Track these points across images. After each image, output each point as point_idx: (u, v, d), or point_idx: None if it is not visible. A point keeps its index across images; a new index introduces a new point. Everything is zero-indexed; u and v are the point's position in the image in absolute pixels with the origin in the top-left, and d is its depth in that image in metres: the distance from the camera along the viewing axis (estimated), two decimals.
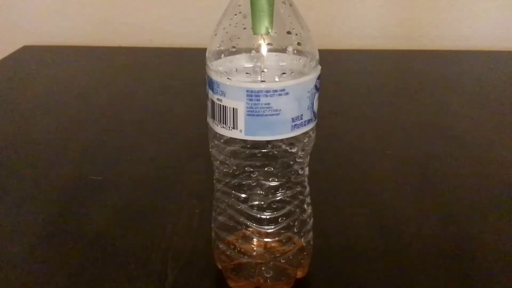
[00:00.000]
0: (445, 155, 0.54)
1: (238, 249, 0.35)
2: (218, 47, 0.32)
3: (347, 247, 0.40)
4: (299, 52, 0.31)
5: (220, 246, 0.36)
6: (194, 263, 0.39)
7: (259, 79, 0.31)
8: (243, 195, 0.34)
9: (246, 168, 0.33)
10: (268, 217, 0.34)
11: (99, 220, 0.44)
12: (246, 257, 0.35)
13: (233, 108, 0.30)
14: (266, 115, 0.30)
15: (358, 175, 0.50)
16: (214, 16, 0.34)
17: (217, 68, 0.31)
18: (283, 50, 0.31)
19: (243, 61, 0.31)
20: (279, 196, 0.34)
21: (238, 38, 0.31)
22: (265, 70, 0.31)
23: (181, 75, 0.77)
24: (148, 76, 0.77)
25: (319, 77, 0.32)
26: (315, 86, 0.32)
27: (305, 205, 0.36)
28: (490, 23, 0.88)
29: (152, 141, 0.57)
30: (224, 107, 0.31)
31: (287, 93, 0.30)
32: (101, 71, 0.80)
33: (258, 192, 0.34)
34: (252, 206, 0.34)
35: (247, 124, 0.30)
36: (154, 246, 0.40)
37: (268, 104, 0.30)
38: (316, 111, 0.33)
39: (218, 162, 0.35)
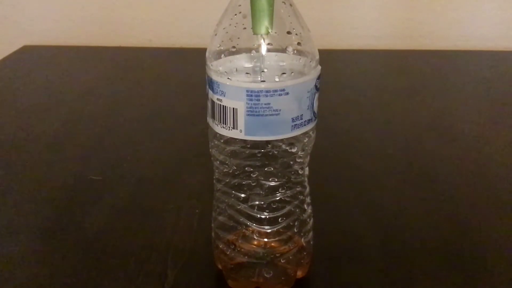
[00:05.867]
0: (445, 155, 0.54)
1: (238, 249, 0.35)
2: (218, 47, 0.32)
3: (347, 247, 0.41)
4: (299, 52, 0.31)
5: (220, 246, 0.36)
6: (194, 263, 0.39)
7: (259, 79, 0.31)
8: (243, 195, 0.34)
9: (246, 168, 0.33)
10: (268, 217, 0.34)
11: (99, 220, 0.44)
12: (246, 257, 0.35)
13: (233, 108, 0.30)
14: (266, 115, 0.30)
15: (358, 175, 0.50)
16: (214, 16, 0.34)
17: (217, 68, 0.31)
18: (283, 50, 0.31)
19: (243, 61, 0.31)
20: (279, 196, 0.34)
21: (238, 38, 0.31)
22: (265, 70, 0.31)
23: (181, 75, 0.77)
24: (148, 76, 0.77)
25: (319, 77, 0.32)
26: (315, 86, 0.32)
27: (305, 205, 0.36)
28: (490, 23, 0.88)
29: (152, 141, 0.57)
30: (224, 107, 0.31)
31: (287, 93, 0.30)
32: (101, 71, 0.80)
33: (258, 192, 0.34)
34: (252, 206, 0.34)
35: (247, 124, 0.30)
36: (154, 246, 0.40)
37: (268, 104, 0.30)
38: (316, 111, 0.33)
39: (218, 162, 0.35)
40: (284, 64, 0.31)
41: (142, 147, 0.56)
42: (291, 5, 0.32)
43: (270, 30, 0.30)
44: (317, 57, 0.32)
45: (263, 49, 0.31)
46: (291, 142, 0.33)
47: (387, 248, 0.40)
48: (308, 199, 0.36)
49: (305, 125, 0.32)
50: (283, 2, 0.31)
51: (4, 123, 0.62)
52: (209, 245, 0.38)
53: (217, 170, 0.35)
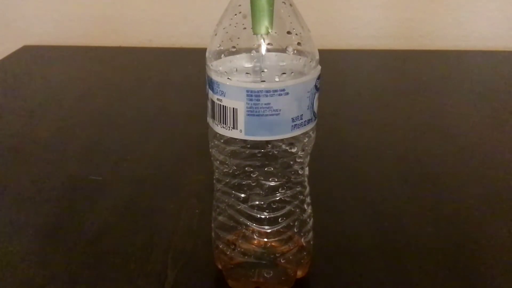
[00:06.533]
0: (445, 155, 0.54)
1: (238, 249, 0.35)
2: (218, 47, 0.32)
3: (347, 247, 0.40)
4: (299, 52, 0.31)
5: (220, 246, 0.36)
6: (194, 263, 0.39)
7: (259, 79, 0.31)
8: (243, 195, 0.34)
9: (246, 168, 0.33)
10: (268, 217, 0.34)
11: (99, 220, 0.44)
12: (246, 257, 0.35)
13: (233, 108, 0.30)
14: (266, 115, 0.30)
15: (358, 175, 0.50)
16: (214, 16, 0.34)
17: (217, 68, 0.31)
18: (283, 50, 0.31)
19: (243, 61, 0.31)
20: (279, 196, 0.34)
21: (238, 38, 0.31)
22: (265, 70, 0.31)
23: (181, 75, 0.77)
24: (148, 76, 0.77)
25: (319, 77, 0.32)
26: (315, 86, 0.32)
27: (305, 205, 0.36)
28: (490, 23, 0.88)
29: (152, 141, 0.57)
30: (224, 107, 0.31)
31: (287, 93, 0.30)
32: (101, 71, 0.80)
33: (258, 192, 0.34)
34: (252, 206, 0.34)
35: (247, 124, 0.30)
36: (154, 246, 0.40)
37: (268, 104, 0.30)
38: (316, 111, 0.33)
39: (218, 162, 0.35)
40: (284, 64, 0.31)
41: (142, 147, 0.56)
42: (291, 5, 0.32)
43: (270, 30, 0.30)
44: (317, 57, 0.32)
45: (263, 49, 0.31)
46: (291, 142, 0.33)
47: (387, 248, 0.40)
48: (308, 199, 0.36)
49: (305, 125, 0.32)
50: (283, 2, 0.31)
51: (4, 123, 0.62)
52: (209, 245, 0.38)
53: (217, 170, 0.35)
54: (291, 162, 0.34)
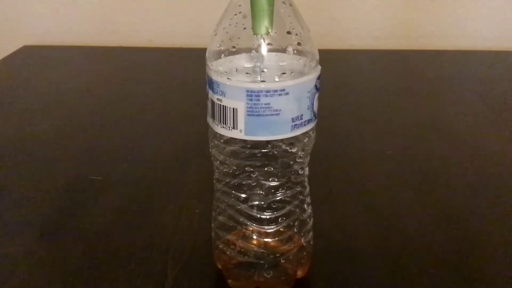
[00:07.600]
0: (445, 155, 0.54)
1: (238, 248, 0.35)
2: (218, 47, 0.32)
3: (347, 247, 0.41)
4: (299, 52, 0.31)
5: (220, 246, 0.36)
6: (194, 263, 0.39)
7: (259, 79, 0.31)
8: (243, 195, 0.34)
9: (246, 168, 0.33)
10: (268, 217, 0.34)
11: (99, 220, 0.44)
12: (246, 256, 0.35)
13: (233, 108, 0.30)
14: (266, 115, 0.30)
15: (358, 175, 0.50)
16: (214, 16, 0.34)
17: (217, 68, 0.31)
18: (283, 50, 0.31)
19: (243, 61, 0.31)
20: (279, 196, 0.34)
21: (238, 38, 0.31)
22: (265, 70, 0.31)
23: (181, 75, 0.77)
24: (148, 76, 0.77)
25: (319, 77, 0.32)
26: (315, 86, 0.32)
27: (305, 205, 0.36)
28: (490, 23, 0.88)
29: (152, 141, 0.57)
30: (224, 107, 0.31)
31: (287, 93, 0.30)
32: (101, 71, 0.80)
33: (258, 192, 0.34)
34: (252, 206, 0.34)
35: (247, 124, 0.30)
36: (154, 246, 0.40)
37: (268, 104, 0.30)
38: (316, 111, 0.33)
39: (218, 162, 0.35)
40: (284, 64, 0.31)
41: (142, 147, 0.56)
42: (291, 5, 0.32)
43: (270, 30, 0.30)
44: (317, 57, 0.32)
45: (263, 49, 0.31)
46: (291, 142, 0.33)
47: (387, 248, 0.40)
48: (308, 199, 0.36)
49: (305, 125, 0.32)
50: (283, 2, 0.31)
51: (4, 123, 0.62)
52: (209, 245, 0.38)
53: (217, 170, 0.35)
54: (291, 162, 0.34)
